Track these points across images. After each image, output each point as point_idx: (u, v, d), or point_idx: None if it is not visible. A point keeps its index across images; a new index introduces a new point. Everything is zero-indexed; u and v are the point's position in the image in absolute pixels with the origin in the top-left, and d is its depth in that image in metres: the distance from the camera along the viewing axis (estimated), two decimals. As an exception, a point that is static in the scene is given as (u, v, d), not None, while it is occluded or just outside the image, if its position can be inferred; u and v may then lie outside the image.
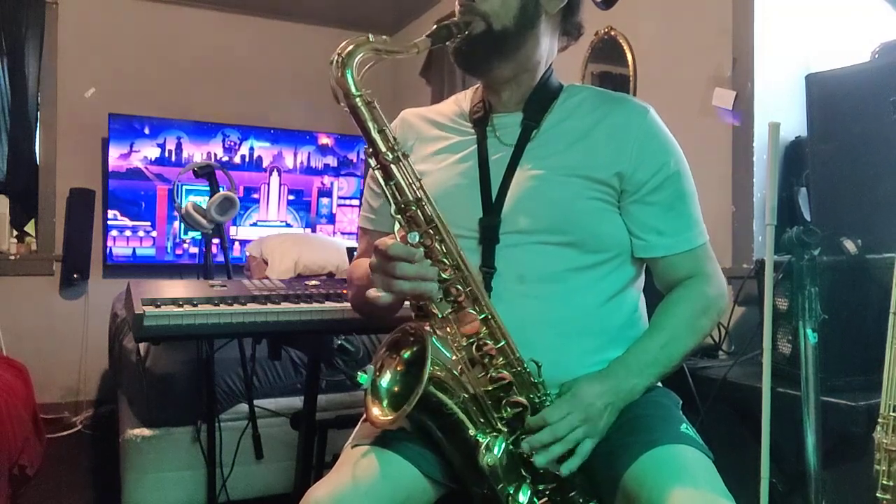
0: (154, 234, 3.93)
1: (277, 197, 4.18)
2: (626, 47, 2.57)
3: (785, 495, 1.51)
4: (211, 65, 4.12)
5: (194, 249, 3.94)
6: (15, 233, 3.78)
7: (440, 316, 1.02)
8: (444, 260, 1.02)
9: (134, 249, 3.90)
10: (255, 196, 4.14)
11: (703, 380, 1.63)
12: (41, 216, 3.81)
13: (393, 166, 1.02)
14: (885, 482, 1.15)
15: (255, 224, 4.12)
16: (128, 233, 3.87)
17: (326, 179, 4.30)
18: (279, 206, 4.19)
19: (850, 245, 1.47)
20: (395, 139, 1.04)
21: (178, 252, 3.98)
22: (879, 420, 1.16)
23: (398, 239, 1.01)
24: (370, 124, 1.02)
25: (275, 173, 4.16)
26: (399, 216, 1.03)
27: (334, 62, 1.01)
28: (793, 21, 2.15)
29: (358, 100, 1.02)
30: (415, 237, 1.01)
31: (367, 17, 4.12)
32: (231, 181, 2.35)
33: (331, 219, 4.32)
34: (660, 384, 1.21)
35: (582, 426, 1.02)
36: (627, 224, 1.17)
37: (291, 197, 4.23)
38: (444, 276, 1.02)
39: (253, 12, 4.21)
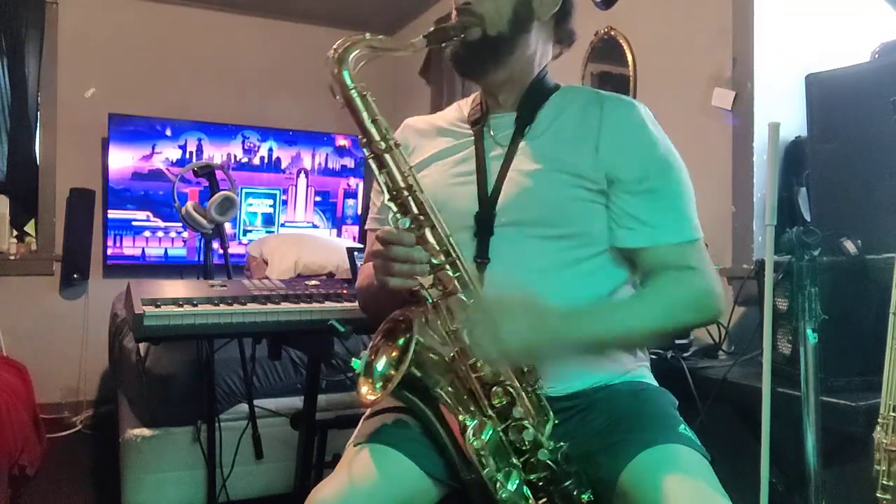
0: (185, 234, 3.92)
1: (305, 198, 4.20)
2: (626, 47, 2.57)
3: (785, 495, 1.51)
4: (212, 65, 4.11)
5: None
6: (15, 233, 3.77)
7: (430, 301, 1.04)
8: (435, 246, 1.05)
9: (166, 250, 3.91)
10: (283, 198, 4.16)
11: (703, 380, 1.63)
12: (41, 216, 3.80)
13: (386, 155, 1.06)
14: (885, 482, 1.15)
15: (282, 225, 4.15)
16: (160, 234, 3.88)
17: (353, 181, 4.33)
18: (306, 208, 4.22)
19: (850, 245, 1.47)
20: (387, 129, 1.07)
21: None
22: (879, 420, 1.16)
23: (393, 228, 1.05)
24: (364, 114, 1.06)
25: (302, 175, 4.18)
26: (391, 203, 1.06)
27: (330, 57, 1.06)
28: (793, 21, 2.15)
29: (353, 91, 1.06)
30: (406, 223, 1.04)
31: (369, 18, 4.12)
32: (231, 181, 2.34)
33: (356, 220, 4.34)
34: (656, 384, 1.21)
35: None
36: (613, 216, 1.16)
37: (318, 198, 4.25)
38: (434, 261, 1.04)
39: (254, 12, 4.20)
